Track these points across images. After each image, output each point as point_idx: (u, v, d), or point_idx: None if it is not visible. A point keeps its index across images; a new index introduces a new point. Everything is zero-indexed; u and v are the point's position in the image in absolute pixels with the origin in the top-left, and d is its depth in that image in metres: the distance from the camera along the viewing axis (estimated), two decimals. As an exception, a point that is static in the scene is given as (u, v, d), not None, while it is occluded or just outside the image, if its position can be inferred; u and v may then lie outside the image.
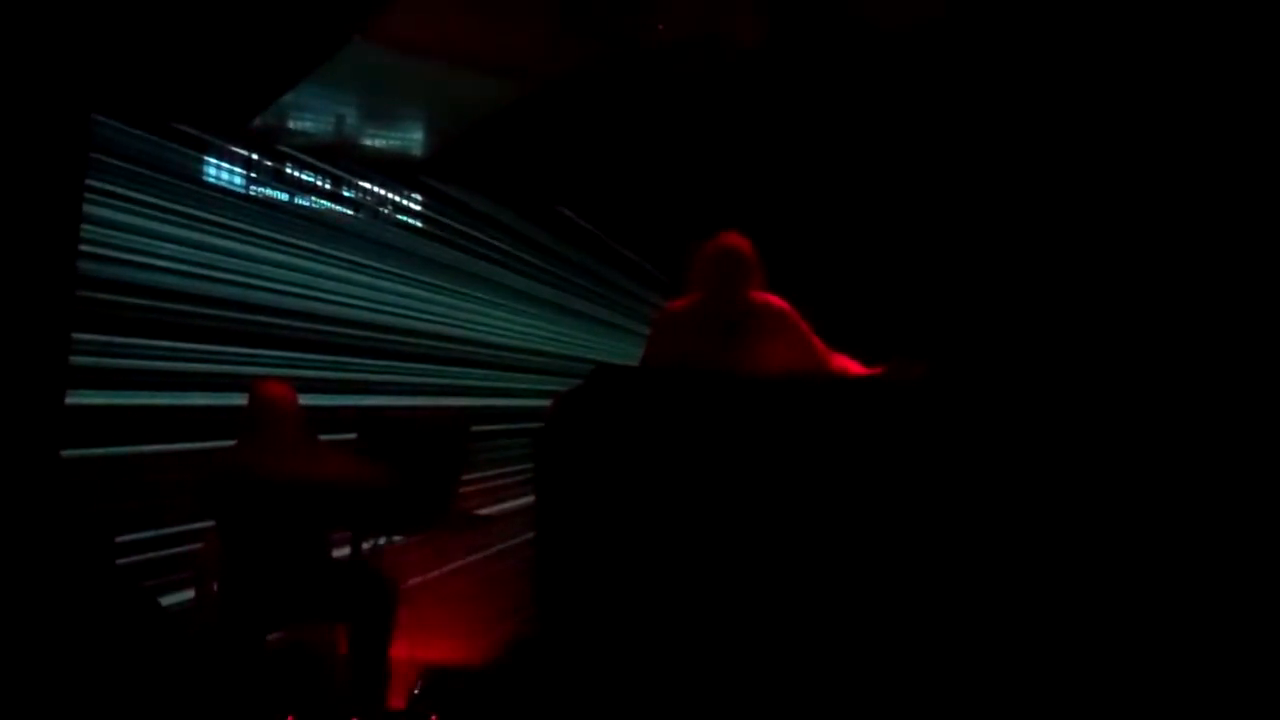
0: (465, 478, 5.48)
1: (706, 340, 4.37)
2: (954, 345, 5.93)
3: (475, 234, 7.76)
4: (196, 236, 6.64)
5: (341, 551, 5.23)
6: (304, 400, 5.25)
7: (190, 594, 5.14)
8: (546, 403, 4.15)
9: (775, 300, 4.47)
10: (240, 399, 5.13)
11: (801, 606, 3.43)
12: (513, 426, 6.44)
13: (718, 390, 3.82)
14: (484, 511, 6.05)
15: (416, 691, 5.12)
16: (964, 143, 6.28)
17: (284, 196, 7.24)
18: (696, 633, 3.46)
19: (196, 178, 6.83)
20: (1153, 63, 5.56)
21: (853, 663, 3.38)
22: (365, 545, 5.33)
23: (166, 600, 5.44)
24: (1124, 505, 3.33)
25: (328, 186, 7.42)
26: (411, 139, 7.59)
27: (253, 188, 7.10)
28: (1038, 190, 6.00)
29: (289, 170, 7.28)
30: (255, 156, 7.14)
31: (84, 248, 6.12)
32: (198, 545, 5.20)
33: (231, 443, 5.05)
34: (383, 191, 7.64)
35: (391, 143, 7.59)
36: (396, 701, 4.97)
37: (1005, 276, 6.09)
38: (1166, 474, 3.33)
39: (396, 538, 5.64)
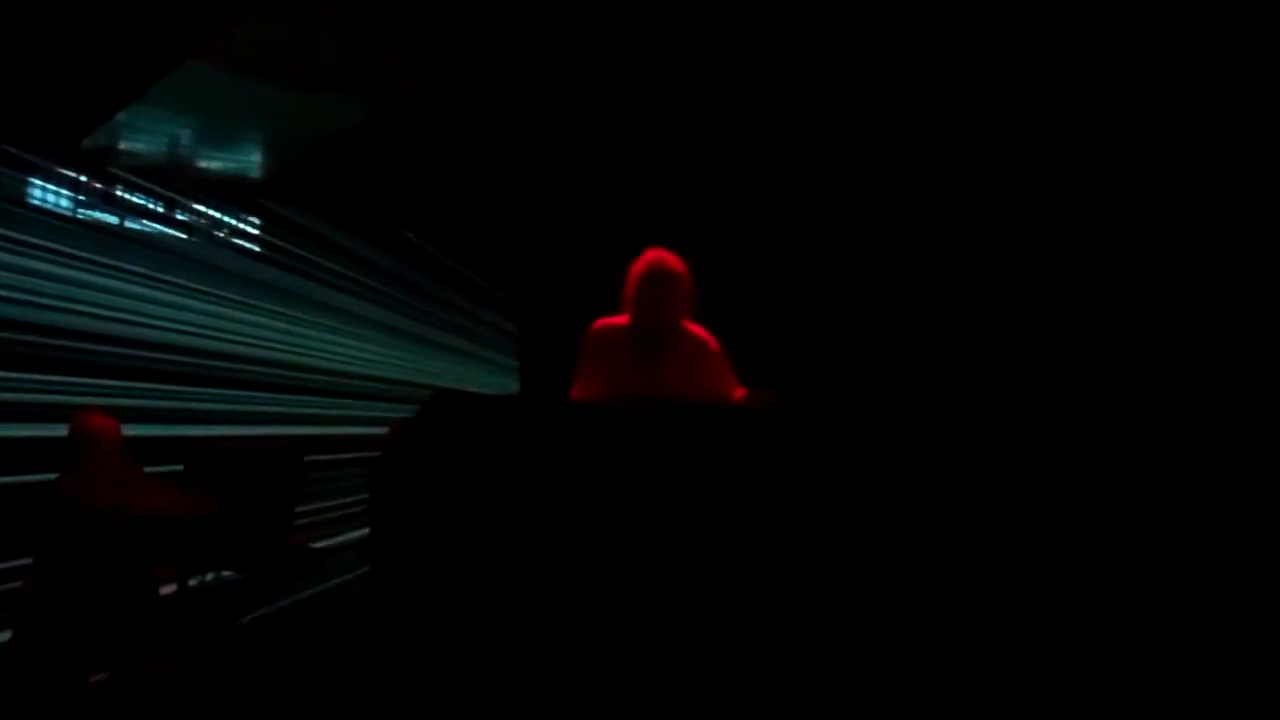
0: (299, 510, 5.35)
1: (635, 361, 4.30)
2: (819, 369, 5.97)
3: (315, 258, 7.64)
4: (20, 261, 6.39)
5: (169, 588, 5.07)
6: (134, 430, 5.09)
7: (8, 634, 4.91)
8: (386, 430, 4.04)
9: (702, 331, 4.41)
10: (64, 430, 4.96)
11: (646, 641, 3.38)
12: (352, 456, 6.32)
13: (556, 418, 3.77)
14: (320, 545, 5.91)
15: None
16: (818, 146, 6.32)
17: (114, 220, 7.02)
18: (533, 665, 3.40)
19: (21, 200, 6.60)
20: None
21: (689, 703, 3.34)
22: (193, 582, 5.16)
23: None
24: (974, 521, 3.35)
25: (161, 209, 7.22)
26: (249, 161, 7.43)
27: (81, 210, 6.89)
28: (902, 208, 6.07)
29: (120, 193, 7.06)
30: (84, 178, 6.92)
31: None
32: (17, 584, 4.98)
33: (53, 476, 4.87)
34: (219, 214, 7.46)
35: (228, 164, 7.43)
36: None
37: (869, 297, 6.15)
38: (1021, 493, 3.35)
39: (227, 573, 5.48)
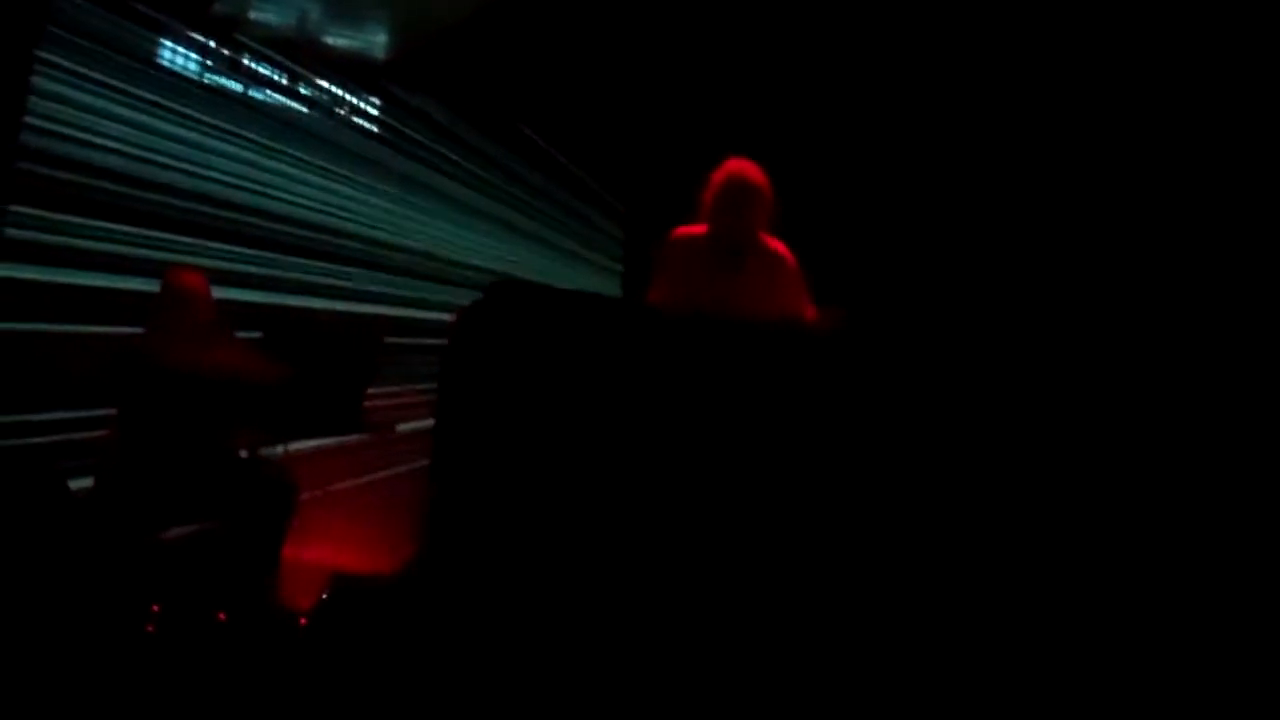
0: (379, 390, 5.39)
1: (711, 271, 4.27)
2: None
3: (431, 144, 7.65)
4: (144, 119, 6.47)
5: (244, 453, 5.16)
6: (227, 294, 5.16)
7: (90, 481, 5.03)
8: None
9: (780, 246, 4.36)
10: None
11: (696, 535, 3.36)
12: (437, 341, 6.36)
13: (621, 318, 3.74)
14: (398, 427, 5.96)
15: (324, 596, 5.07)
16: (921, 72, 6.20)
17: (238, 87, 7.09)
18: (583, 561, 3.39)
19: (151, 60, 6.65)
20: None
21: (749, 608, 3.31)
22: (269, 449, 5.25)
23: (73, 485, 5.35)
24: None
25: (284, 82, 7.28)
26: (375, 41, 7.43)
27: (207, 76, 6.94)
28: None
29: (246, 61, 7.13)
30: (213, 44, 6.98)
31: (28, 119, 5.96)
32: (103, 432, 5.10)
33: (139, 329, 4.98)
34: (340, 92, 7.51)
35: (354, 43, 7.44)
36: (304, 603, 4.91)
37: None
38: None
39: (299, 443, 5.56)
